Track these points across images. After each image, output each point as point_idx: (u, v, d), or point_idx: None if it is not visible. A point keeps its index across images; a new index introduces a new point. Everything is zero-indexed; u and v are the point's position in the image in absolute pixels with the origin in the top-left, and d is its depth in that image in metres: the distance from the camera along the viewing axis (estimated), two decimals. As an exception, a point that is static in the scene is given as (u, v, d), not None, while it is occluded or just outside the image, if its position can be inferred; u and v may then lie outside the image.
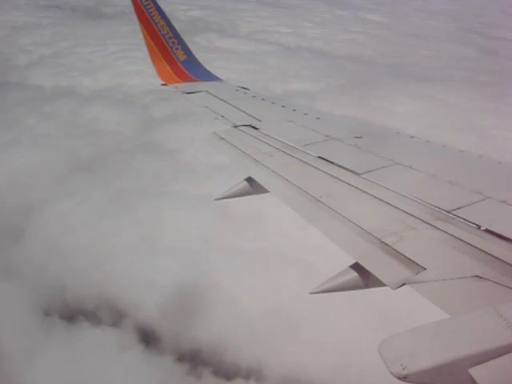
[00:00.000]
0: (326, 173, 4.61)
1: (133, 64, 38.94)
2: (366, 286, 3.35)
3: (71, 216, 19.57)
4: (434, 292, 2.82)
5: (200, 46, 43.26)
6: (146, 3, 7.84)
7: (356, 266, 3.37)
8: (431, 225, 3.52)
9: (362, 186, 4.26)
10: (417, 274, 2.99)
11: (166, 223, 18.54)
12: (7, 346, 13.31)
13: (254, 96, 7.57)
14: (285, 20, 68.18)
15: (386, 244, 3.36)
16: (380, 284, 3.12)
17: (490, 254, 3.06)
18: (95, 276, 15.92)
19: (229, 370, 13.21)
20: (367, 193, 4.13)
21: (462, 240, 3.27)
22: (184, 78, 8.25)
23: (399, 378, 2.15)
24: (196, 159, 23.26)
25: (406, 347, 2.29)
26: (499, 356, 2.13)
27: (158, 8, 7.94)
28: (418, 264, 3.07)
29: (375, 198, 4.04)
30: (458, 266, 2.99)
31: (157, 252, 17.01)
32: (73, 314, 15.07)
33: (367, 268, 3.22)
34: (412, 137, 5.67)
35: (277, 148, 5.34)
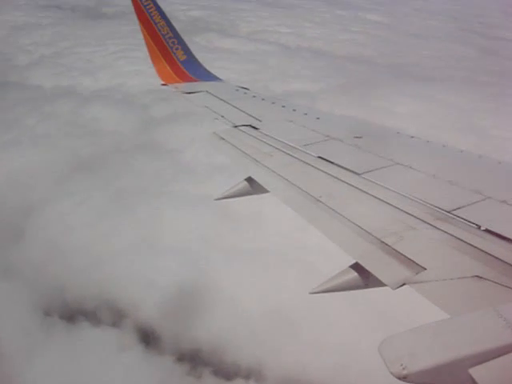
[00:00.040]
0: (326, 173, 4.60)
1: (133, 64, 38.94)
2: (366, 286, 3.35)
3: (71, 216, 19.56)
4: (434, 292, 2.82)
5: (200, 46, 43.25)
6: (145, 3, 7.84)
7: (356, 266, 3.37)
8: (431, 225, 3.51)
9: (362, 186, 4.25)
10: (417, 274, 2.99)
11: (166, 223, 18.52)
12: (7, 345, 13.29)
13: (254, 96, 7.56)
14: (285, 20, 68.18)
15: (386, 244, 3.35)
16: (380, 284, 3.11)
17: (490, 254, 3.05)
18: (95, 276, 15.90)
19: (229, 370, 13.20)
20: (367, 193, 4.13)
21: (461, 240, 3.26)
22: (184, 78, 8.25)
23: (399, 378, 2.15)
24: (196, 159, 23.25)
25: (406, 347, 2.28)
26: (499, 356, 2.12)
27: (158, 8, 7.94)
28: (418, 264, 3.07)
29: (375, 198, 4.04)
30: (458, 266, 2.99)
31: (157, 252, 17.00)
32: (73, 313, 15.06)
33: (367, 268, 3.22)
34: (412, 137, 5.67)
35: (277, 148, 5.33)
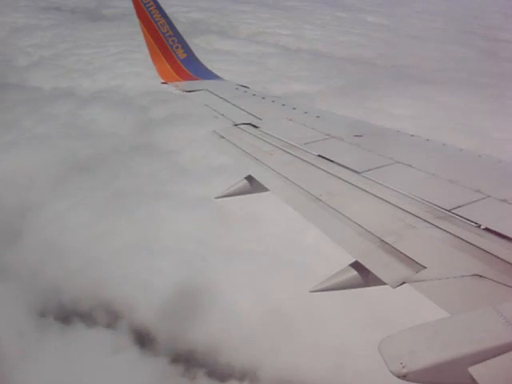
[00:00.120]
0: (326, 171, 4.61)
1: (132, 66, 39.06)
2: (366, 284, 3.35)
3: (68, 217, 19.57)
4: (434, 291, 2.82)
5: (200, 48, 43.09)
6: (146, 1, 7.86)
7: (356, 265, 3.37)
8: (431, 223, 3.51)
9: (362, 184, 4.26)
10: (417, 272, 2.99)
11: (164, 224, 18.53)
12: (1, 346, 13.25)
13: (254, 94, 7.59)
14: (285, 22, 68.20)
15: (386, 243, 3.36)
16: (380, 282, 3.11)
17: (490, 253, 3.05)
18: (91, 277, 15.89)
19: (223, 372, 13.17)
20: (367, 191, 4.13)
21: (461, 239, 3.26)
22: (184, 77, 8.27)
23: (399, 377, 2.14)
24: (194, 160, 23.27)
25: (405, 346, 2.29)
26: (499, 355, 2.13)
27: (159, 6, 7.97)
28: (417, 263, 3.07)
29: (375, 196, 4.04)
30: (458, 265, 2.99)
31: (153, 253, 17.02)
32: (68, 315, 15.03)
33: (367, 266, 3.23)
34: (412, 135, 5.67)
35: (277, 146, 5.34)
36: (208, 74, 8.54)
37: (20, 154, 24.66)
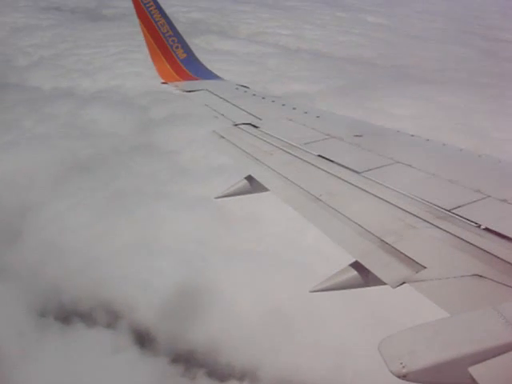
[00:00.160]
0: (326, 171, 4.60)
1: (132, 66, 39.05)
2: (366, 284, 3.35)
3: (68, 217, 19.56)
4: (434, 291, 2.82)
5: (200, 48, 43.11)
6: (146, 1, 7.85)
7: (356, 265, 3.36)
8: (431, 223, 3.50)
9: (362, 184, 4.25)
10: (417, 272, 2.98)
11: (164, 224, 18.51)
12: (1, 346, 13.24)
13: (254, 94, 7.57)
14: (285, 22, 68.18)
15: (386, 243, 3.35)
16: (380, 283, 3.11)
17: (490, 253, 3.04)
18: (91, 277, 15.88)
19: (223, 372, 13.17)
20: (367, 191, 4.13)
21: (461, 239, 3.25)
22: (184, 77, 8.26)
23: (399, 377, 2.14)
24: (194, 160, 23.26)
25: (405, 346, 2.28)
26: (499, 355, 2.12)
27: (158, 6, 7.97)
28: (417, 263, 3.07)
29: (375, 196, 4.04)
30: (458, 265, 2.98)
31: (153, 253, 17.01)
32: (68, 315, 15.02)
33: (367, 266, 3.22)
34: (412, 135, 5.67)
35: (277, 146, 5.33)
36: (208, 74, 8.53)
37: (20, 153, 24.65)
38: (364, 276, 3.32)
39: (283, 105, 7.02)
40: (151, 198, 20.62)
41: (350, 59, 48.63)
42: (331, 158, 4.84)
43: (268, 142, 5.46)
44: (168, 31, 8.05)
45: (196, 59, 8.56)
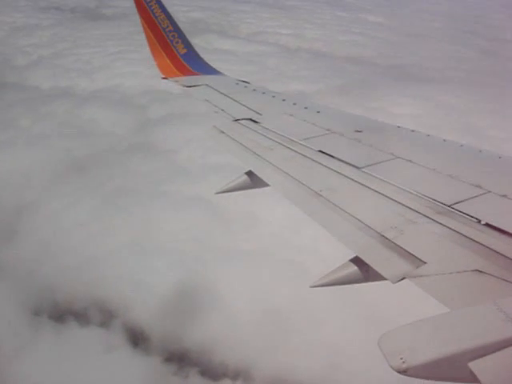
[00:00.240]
0: (326, 167, 4.59)
1: (130, 65, 39.17)
2: (366, 279, 3.35)
3: (64, 216, 19.58)
4: (434, 286, 2.81)
5: (200, 47, 42.74)
6: None
7: (356, 260, 3.36)
8: (431, 219, 3.50)
9: (363, 179, 4.24)
10: (417, 267, 2.98)
11: (160, 223, 18.48)
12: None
13: (255, 90, 7.53)
14: (285, 21, 68.17)
15: (386, 238, 3.35)
16: (380, 278, 3.11)
17: (490, 248, 3.04)
18: (86, 276, 15.91)
19: (216, 371, 13.16)
20: (368, 187, 4.12)
21: (462, 234, 3.25)
22: (184, 72, 8.23)
23: (399, 372, 2.15)
24: (191, 159, 23.23)
25: (405, 341, 2.30)
26: (499, 350, 2.13)
27: (159, 1, 7.91)
28: (418, 258, 3.07)
29: (375, 191, 4.03)
30: (458, 260, 2.98)
31: (149, 252, 17.02)
32: (62, 313, 15.02)
33: (367, 262, 3.22)
34: (413, 131, 5.66)
35: (277, 142, 5.32)
36: (208, 69, 8.50)
37: (18, 152, 24.75)
38: (364, 271, 3.31)
39: (283, 100, 6.98)
40: (148, 197, 20.60)
41: (350, 58, 48.60)
42: (331, 154, 4.83)
43: (268, 137, 5.45)
44: (168, 26, 8.02)
45: (196, 54, 8.53)
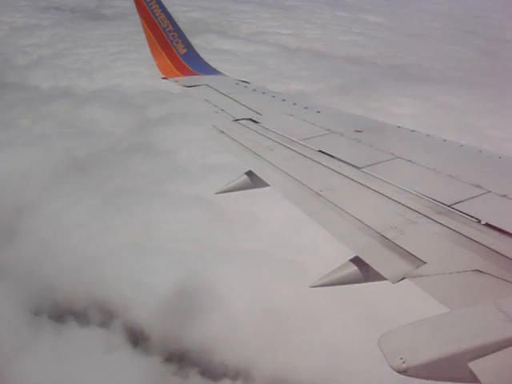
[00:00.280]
0: (326, 167, 4.59)
1: (130, 65, 39.16)
2: (366, 279, 3.34)
3: (64, 216, 19.56)
4: (434, 286, 2.81)
5: (199, 47, 42.74)
6: None
7: (356, 260, 3.36)
8: (431, 219, 3.49)
9: (363, 179, 4.25)
10: (417, 267, 2.98)
11: (160, 223, 18.47)
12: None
13: (255, 90, 7.53)
14: (285, 21, 68.14)
15: (386, 238, 3.35)
16: (380, 278, 3.10)
17: (490, 248, 3.03)
18: (86, 276, 15.90)
19: (216, 371, 13.15)
20: (368, 187, 4.12)
21: (462, 234, 3.24)
22: (184, 72, 8.22)
23: (399, 372, 2.16)
24: (191, 159, 23.21)
25: (405, 341, 2.30)
26: (499, 350, 2.12)
27: (159, 1, 7.90)
28: (418, 258, 3.07)
29: (375, 191, 4.03)
30: (458, 260, 2.97)
31: (149, 252, 17.00)
32: (62, 313, 15.01)
33: (367, 262, 3.22)
34: (412, 131, 5.66)
35: (277, 142, 5.32)
36: (208, 69, 8.50)
37: (18, 152, 24.73)
38: (364, 271, 3.31)
39: (283, 100, 6.98)
40: (148, 197, 20.58)
41: (350, 58, 48.58)
42: (331, 154, 4.83)
43: (268, 137, 5.45)
44: (168, 26, 8.02)
45: (196, 54, 8.53)
